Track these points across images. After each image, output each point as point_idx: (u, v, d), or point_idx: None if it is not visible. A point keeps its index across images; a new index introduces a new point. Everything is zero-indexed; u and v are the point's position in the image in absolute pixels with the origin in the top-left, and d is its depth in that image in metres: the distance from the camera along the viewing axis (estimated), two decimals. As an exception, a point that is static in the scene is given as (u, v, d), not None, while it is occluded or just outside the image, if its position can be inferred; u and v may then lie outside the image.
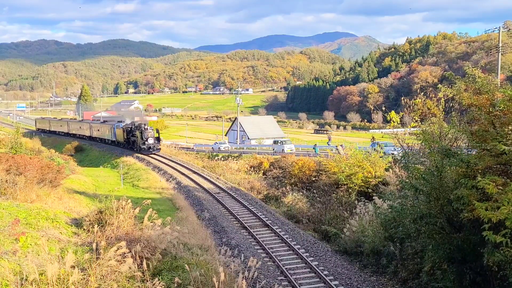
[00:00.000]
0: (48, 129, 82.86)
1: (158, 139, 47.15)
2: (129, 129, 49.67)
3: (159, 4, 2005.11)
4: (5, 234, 10.14)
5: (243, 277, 9.67)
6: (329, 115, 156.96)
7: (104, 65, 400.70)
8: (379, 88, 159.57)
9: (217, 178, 32.99)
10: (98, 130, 62.11)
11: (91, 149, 58.27)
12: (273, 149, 45.21)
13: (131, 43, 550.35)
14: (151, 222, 12.82)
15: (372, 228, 16.61)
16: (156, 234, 11.92)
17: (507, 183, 8.74)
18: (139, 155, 44.89)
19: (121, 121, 56.35)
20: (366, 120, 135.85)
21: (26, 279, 7.94)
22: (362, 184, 25.83)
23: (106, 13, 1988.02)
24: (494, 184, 8.58)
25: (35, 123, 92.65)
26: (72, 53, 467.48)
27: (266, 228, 20.02)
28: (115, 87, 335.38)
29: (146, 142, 45.40)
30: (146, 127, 46.48)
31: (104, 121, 64.41)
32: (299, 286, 13.51)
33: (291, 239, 18.17)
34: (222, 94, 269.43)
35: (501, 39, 34.26)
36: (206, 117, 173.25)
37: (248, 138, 64.01)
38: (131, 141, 48.94)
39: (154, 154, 44.84)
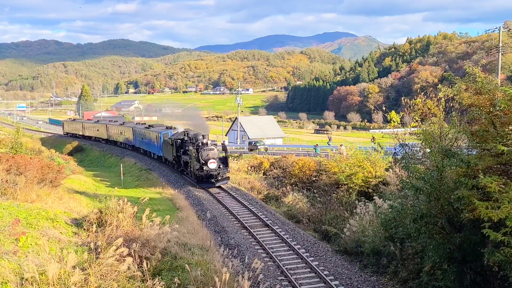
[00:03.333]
0: (81, 133, 67.22)
1: (225, 161, 29.38)
2: (178, 142, 32.98)
3: (160, 4, 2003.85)
4: (6, 234, 10.15)
5: (243, 278, 9.67)
6: (329, 115, 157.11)
7: (104, 65, 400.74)
8: (380, 88, 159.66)
9: (217, 178, 32.90)
10: (142, 138, 45.59)
11: (91, 149, 58.13)
12: None
13: (131, 43, 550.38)
14: (150, 221, 12.83)
15: (372, 228, 16.61)
16: (155, 233, 11.93)
17: (508, 183, 8.75)
18: (193, 188, 28.49)
19: (170, 128, 40.28)
20: (366, 120, 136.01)
21: (26, 279, 7.94)
22: (363, 184, 25.84)
23: (107, 13, 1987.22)
24: (496, 183, 8.60)
25: (62, 126, 78.26)
26: (72, 53, 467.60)
27: (267, 228, 20.02)
28: (115, 87, 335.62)
29: (205, 167, 28.19)
30: (205, 141, 29.35)
31: (149, 126, 45.12)
32: (299, 286, 13.51)
33: (291, 239, 18.17)
34: (222, 94, 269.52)
35: (501, 39, 34.24)
36: (207, 117, 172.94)
37: (248, 138, 64.01)
38: (182, 162, 32.56)
39: (219, 187, 28.45)
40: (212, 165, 28.29)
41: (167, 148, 36.23)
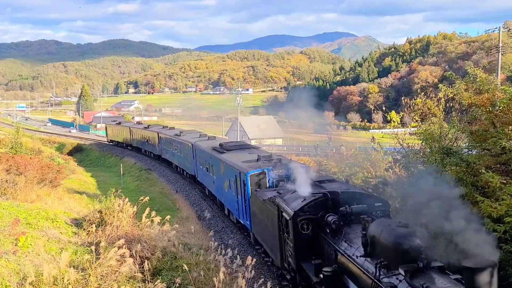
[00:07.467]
0: (129, 142, 49.53)
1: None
2: (303, 222, 10.18)
3: (161, 4, 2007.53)
4: (5, 234, 10.15)
5: (243, 277, 9.65)
6: (329, 115, 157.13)
7: (104, 65, 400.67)
8: (379, 88, 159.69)
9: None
10: (207, 169, 23.92)
11: (91, 149, 57.95)
12: None
13: (131, 43, 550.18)
14: (150, 221, 12.84)
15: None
16: (155, 232, 11.94)
17: (508, 181, 8.76)
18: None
19: (268, 159, 17.22)
20: (366, 120, 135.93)
21: (25, 279, 7.94)
22: (362, 184, 25.82)
23: (108, 13, 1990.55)
24: (497, 178, 8.62)
25: (106, 132, 61.25)
26: (72, 53, 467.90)
27: (266, 228, 19.76)
28: (115, 87, 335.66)
29: None
30: (426, 262, 6.63)
31: (221, 150, 21.60)
32: (299, 285, 13.12)
33: (291, 239, 17.93)
34: (222, 94, 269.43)
35: (501, 39, 34.27)
36: (206, 117, 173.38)
37: (248, 138, 64.05)
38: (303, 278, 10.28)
39: None
40: None
41: (264, 218, 13.65)
